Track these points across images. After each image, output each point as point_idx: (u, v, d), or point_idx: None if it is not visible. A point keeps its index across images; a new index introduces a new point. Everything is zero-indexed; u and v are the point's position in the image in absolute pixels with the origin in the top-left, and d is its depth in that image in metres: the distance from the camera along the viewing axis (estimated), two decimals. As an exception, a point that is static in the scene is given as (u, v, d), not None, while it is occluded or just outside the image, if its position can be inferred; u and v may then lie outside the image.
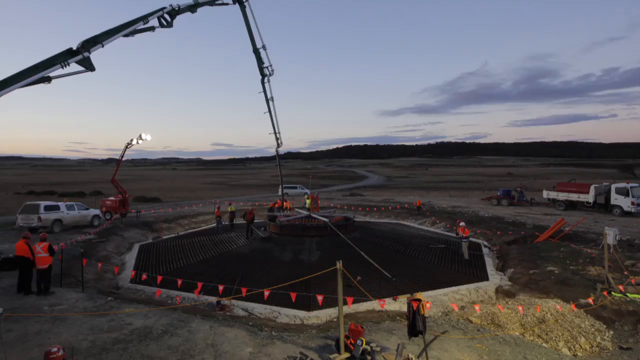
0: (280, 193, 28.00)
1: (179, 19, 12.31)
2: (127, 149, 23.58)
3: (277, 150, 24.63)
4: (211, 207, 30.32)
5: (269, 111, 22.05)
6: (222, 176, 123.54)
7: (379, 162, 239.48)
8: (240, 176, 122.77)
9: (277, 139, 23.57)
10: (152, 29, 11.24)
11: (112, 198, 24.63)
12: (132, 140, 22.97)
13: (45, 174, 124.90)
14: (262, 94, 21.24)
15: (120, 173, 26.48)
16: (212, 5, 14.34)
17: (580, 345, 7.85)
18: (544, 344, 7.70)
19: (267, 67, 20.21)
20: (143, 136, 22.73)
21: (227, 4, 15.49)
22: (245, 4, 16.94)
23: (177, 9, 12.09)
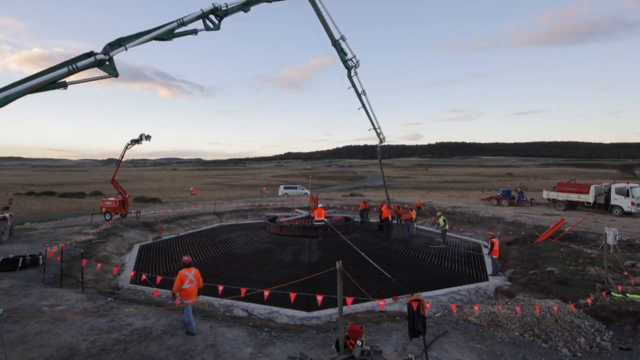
0: (386, 198, 23.23)
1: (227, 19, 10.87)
2: (127, 149, 23.58)
3: (379, 147, 22.27)
4: (211, 207, 30.33)
5: (363, 106, 19.56)
6: (222, 176, 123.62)
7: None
8: (240, 176, 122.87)
9: (378, 134, 20.96)
10: (194, 32, 10.18)
11: (112, 198, 24.61)
12: (132, 140, 22.96)
13: (45, 175, 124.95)
14: (352, 89, 18.87)
15: (120, 173, 26.48)
16: (270, 1, 12.19)
17: (580, 346, 7.86)
18: (543, 344, 7.70)
19: (350, 59, 18.15)
20: (144, 136, 22.71)
21: None
22: None
23: (224, 8, 10.62)
